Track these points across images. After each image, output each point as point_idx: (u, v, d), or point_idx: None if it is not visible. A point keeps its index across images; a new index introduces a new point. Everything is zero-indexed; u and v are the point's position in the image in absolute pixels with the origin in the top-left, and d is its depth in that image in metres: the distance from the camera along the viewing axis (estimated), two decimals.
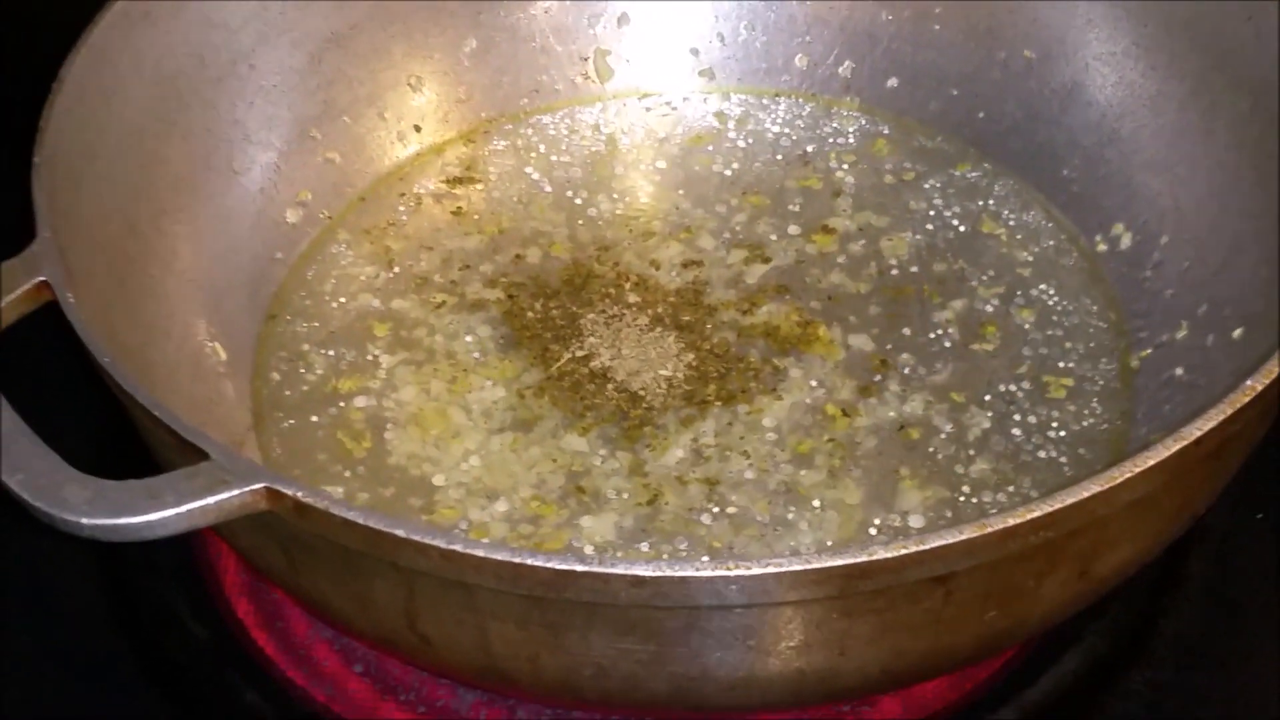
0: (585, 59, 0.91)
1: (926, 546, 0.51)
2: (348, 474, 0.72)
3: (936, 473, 0.72)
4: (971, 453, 0.73)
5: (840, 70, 0.91)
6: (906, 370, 0.76)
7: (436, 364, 0.77)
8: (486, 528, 0.69)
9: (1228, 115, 0.77)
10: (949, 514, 0.70)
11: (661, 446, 0.73)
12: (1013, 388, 0.76)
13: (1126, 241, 0.81)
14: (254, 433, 0.73)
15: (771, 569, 0.50)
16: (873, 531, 0.69)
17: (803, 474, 0.72)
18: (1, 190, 0.67)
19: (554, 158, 0.88)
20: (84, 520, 0.50)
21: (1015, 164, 0.86)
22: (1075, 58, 0.85)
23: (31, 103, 0.68)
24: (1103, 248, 0.81)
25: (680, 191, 0.86)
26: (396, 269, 0.82)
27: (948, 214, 0.85)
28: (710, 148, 0.89)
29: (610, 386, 0.75)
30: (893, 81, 0.90)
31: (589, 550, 0.68)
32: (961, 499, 0.71)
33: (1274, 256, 0.71)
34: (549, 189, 0.87)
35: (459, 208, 0.86)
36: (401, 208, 0.85)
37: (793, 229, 0.84)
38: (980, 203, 0.85)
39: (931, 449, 0.73)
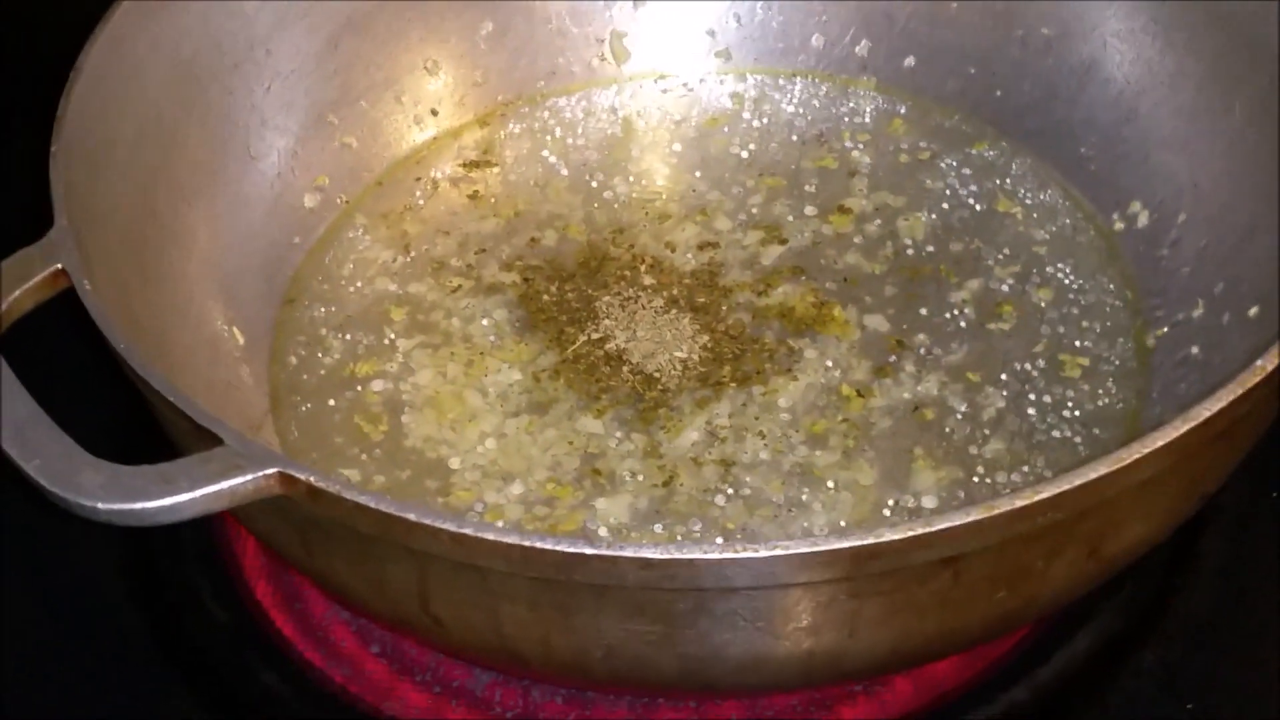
0: (601, 41, 0.91)
1: (934, 529, 0.51)
2: (364, 457, 0.73)
3: (951, 453, 0.72)
4: (986, 433, 0.73)
5: (857, 50, 0.91)
6: (922, 350, 0.76)
7: (453, 347, 0.77)
8: (502, 510, 0.70)
9: (1246, 93, 0.76)
10: (962, 495, 0.70)
11: (676, 428, 0.73)
12: (1028, 367, 0.76)
13: (1144, 220, 0.80)
14: (271, 416, 0.74)
15: (779, 551, 0.50)
16: (886, 513, 0.70)
17: (817, 455, 0.72)
18: (21, 177, 0.68)
19: (570, 140, 0.88)
20: (99, 505, 0.51)
21: (1032, 142, 0.86)
22: (1093, 35, 0.85)
23: (50, 91, 0.68)
24: (1120, 226, 0.81)
25: (697, 173, 0.87)
26: (413, 253, 0.83)
27: (964, 193, 0.84)
28: (726, 129, 0.89)
29: (625, 369, 0.75)
30: (910, 60, 0.90)
31: (603, 532, 0.69)
32: (975, 479, 0.71)
33: None
34: (565, 172, 0.87)
35: (475, 191, 0.86)
36: (418, 192, 0.86)
37: (809, 210, 0.84)
38: (997, 181, 0.85)
39: (946, 429, 0.73)
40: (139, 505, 0.51)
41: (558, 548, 0.50)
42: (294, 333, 0.78)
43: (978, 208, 0.84)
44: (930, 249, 0.82)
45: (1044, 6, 0.86)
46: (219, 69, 0.80)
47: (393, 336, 0.78)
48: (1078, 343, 0.77)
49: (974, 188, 0.85)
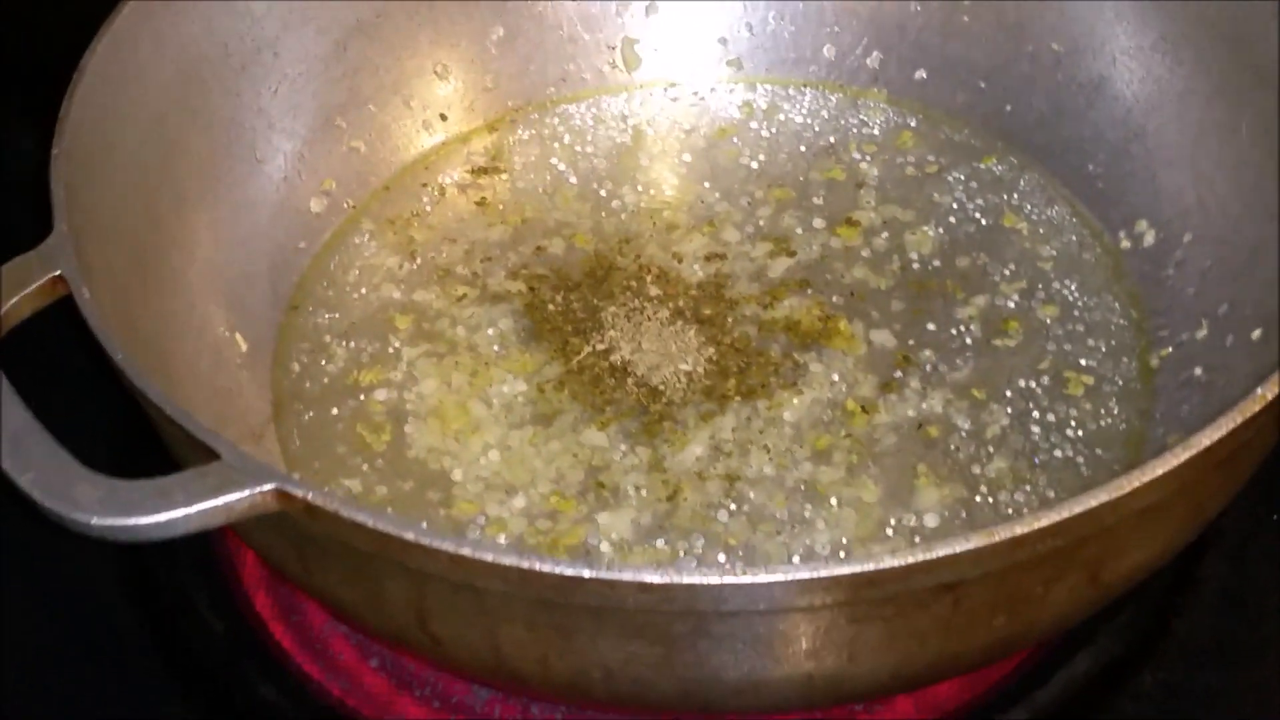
0: (613, 48, 0.91)
1: (934, 555, 0.51)
2: (366, 467, 0.72)
3: (954, 471, 0.72)
4: (989, 451, 0.73)
5: (868, 61, 0.90)
6: (928, 367, 0.76)
7: (458, 356, 0.77)
8: (504, 523, 0.70)
9: (1253, 113, 0.76)
10: (964, 514, 0.70)
11: (681, 442, 0.73)
12: (1033, 384, 0.75)
13: (1150, 239, 0.80)
14: (274, 424, 0.74)
15: (779, 577, 0.50)
16: (889, 531, 0.69)
17: (821, 470, 0.72)
18: (21, 181, 0.68)
19: (579, 148, 0.88)
20: (94, 520, 0.51)
21: (1041, 158, 0.86)
22: (1103, 51, 0.84)
23: (52, 92, 0.68)
24: (1126, 244, 0.81)
25: (706, 184, 0.86)
26: (419, 260, 0.82)
27: (971, 207, 0.84)
28: (736, 139, 0.89)
29: (630, 381, 0.75)
30: (920, 73, 0.90)
31: (605, 547, 0.69)
32: (978, 499, 0.71)
33: None
34: (574, 180, 0.87)
35: (483, 198, 0.86)
36: (425, 198, 0.86)
37: (817, 222, 0.84)
38: (1004, 197, 0.85)
39: (950, 447, 0.73)
40: (133, 521, 0.51)
41: (556, 570, 0.49)
42: (297, 339, 0.78)
43: (984, 223, 0.83)
44: (937, 264, 0.81)
45: (1055, 22, 0.86)
46: (225, 71, 0.80)
47: (397, 345, 0.78)
48: (1082, 361, 0.77)
49: (981, 202, 0.84)
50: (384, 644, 0.68)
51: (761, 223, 0.84)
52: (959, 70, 0.89)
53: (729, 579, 0.50)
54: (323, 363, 0.77)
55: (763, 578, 0.50)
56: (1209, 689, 0.69)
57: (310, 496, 0.51)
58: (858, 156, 0.87)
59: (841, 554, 0.68)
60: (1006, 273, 0.81)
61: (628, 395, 0.75)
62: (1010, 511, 0.70)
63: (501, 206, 0.85)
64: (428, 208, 0.85)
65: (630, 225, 0.84)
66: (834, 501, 0.71)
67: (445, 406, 0.75)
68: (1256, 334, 0.71)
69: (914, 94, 0.90)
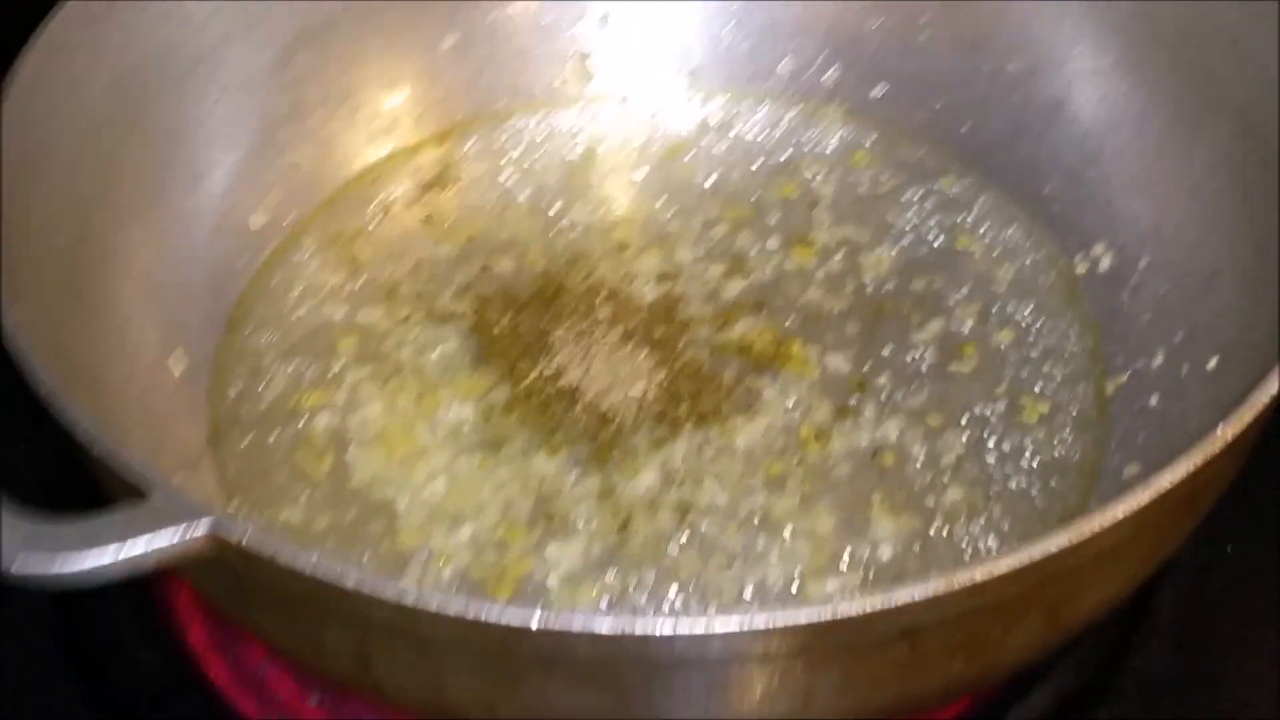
0: (565, 60, 0.89)
1: (891, 605, 0.50)
2: (306, 496, 0.70)
3: (909, 500, 0.71)
4: (945, 480, 0.71)
5: (826, 76, 0.89)
6: (883, 394, 0.75)
7: (403, 379, 0.75)
8: (450, 555, 0.68)
9: (1209, 138, 0.76)
10: (918, 547, 0.69)
11: (632, 469, 0.71)
12: (988, 411, 0.74)
13: (1106, 263, 0.79)
14: (210, 451, 0.71)
15: (733, 628, 0.48)
16: (843, 565, 0.68)
17: (774, 500, 0.70)
18: None
19: (529, 164, 0.86)
20: (12, 568, 0.48)
21: (997, 179, 0.85)
22: (1061, 73, 0.84)
23: None
24: (1082, 269, 0.80)
25: (658, 202, 0.85)
26: (364, 278, 0.80)
27: (924, 229, 0.83)
28: (690, 155, 0.87)
29: (579, 406, 0.73)
30: (878, 90, 0.88)
31: (553, 580, 0.67)
32: (933, 531, 0.69)
33: (1250, 288, 0.70)
34: (523, 197, 0.85)
35: (429, 214, 0.84)
36: (370, 213, 0.83)
37: (772, 242, 0.82)
38: (960, 218, 0.84)
39: (905, 475, 0.71)
40: (54, 571, 0.48)
41: (502, 621, 0.47)
42: (235, 361, 0.76)
43: (940, 244, 0.82)
44: (891, 286, 0.80)
45: (1014, 42, 0.85)
46: (163, 81, 0.77)
47: (339, 367, 0.76)
48: (1038, 388, 0.76)
49: (936, 223, 0.83)
50: (326, 686, 0.66)
51: (715, 243, 0.82)
52: (917, 88, 0.87)
53: (683, 630, 0.48)
54: (262, 386, 0.75)
55: (718, 628, 0.48)
56: None
57: (245, 541, 0.49)
58: (812, 175, 0.86)
59: (794, 588, 0.67)
60: (962, 296, 0.80)
61: (577, 421, 0.73)
62: (965, 544, 0.69)
63: (448, 223, 0.83)
64: (372, 224, 0.83)
65: (581, 244, 0.82)
66: (787, 533, 0.69)
67: (389, 432, 0.73)
68: (1212, 363, 0.70)
69: (871, 110, 0.89)
